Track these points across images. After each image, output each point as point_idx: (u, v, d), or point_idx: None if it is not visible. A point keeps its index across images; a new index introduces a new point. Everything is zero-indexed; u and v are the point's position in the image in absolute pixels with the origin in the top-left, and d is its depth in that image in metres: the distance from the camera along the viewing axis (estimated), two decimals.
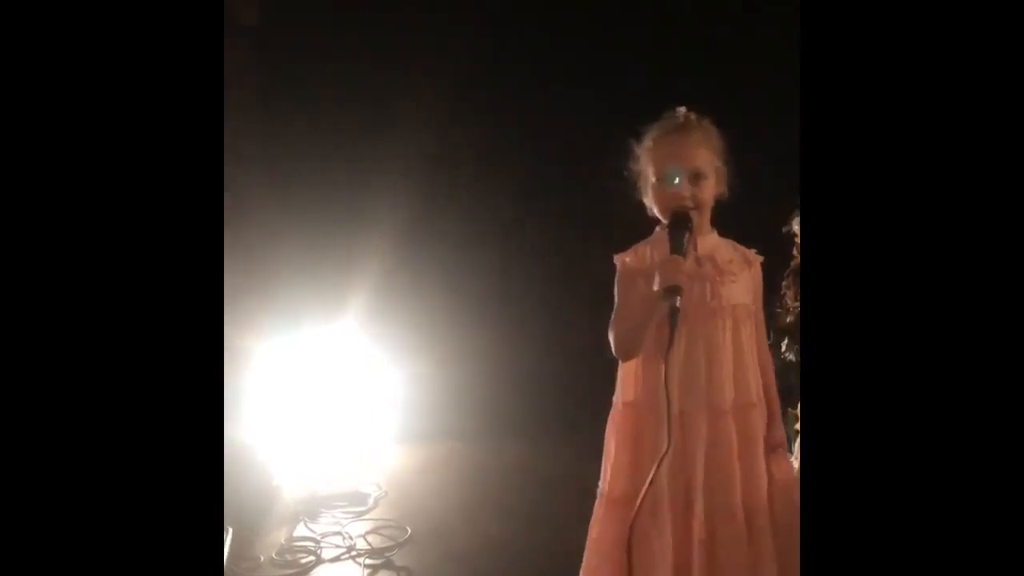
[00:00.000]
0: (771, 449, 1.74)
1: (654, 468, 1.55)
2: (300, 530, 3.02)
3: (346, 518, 3.15)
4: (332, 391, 3.76)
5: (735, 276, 1.71)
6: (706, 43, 3.94)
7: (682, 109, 1.71)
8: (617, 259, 1.74)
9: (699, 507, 1.63)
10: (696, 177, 1.67)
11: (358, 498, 3.33)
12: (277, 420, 3.55)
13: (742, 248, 1.79)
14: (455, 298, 4.29)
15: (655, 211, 1.72)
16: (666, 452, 1.55)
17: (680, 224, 1.65)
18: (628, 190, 1.76)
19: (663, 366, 1.60)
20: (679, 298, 1.58)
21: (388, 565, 2.72)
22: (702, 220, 1.71)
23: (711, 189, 1.69)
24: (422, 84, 4.12)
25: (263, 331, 3.62)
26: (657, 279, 1.61)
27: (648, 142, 1.72)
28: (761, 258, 1.79)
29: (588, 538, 1.77)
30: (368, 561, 2.73)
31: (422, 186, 4.23)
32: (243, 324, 3.19)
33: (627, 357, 1.70)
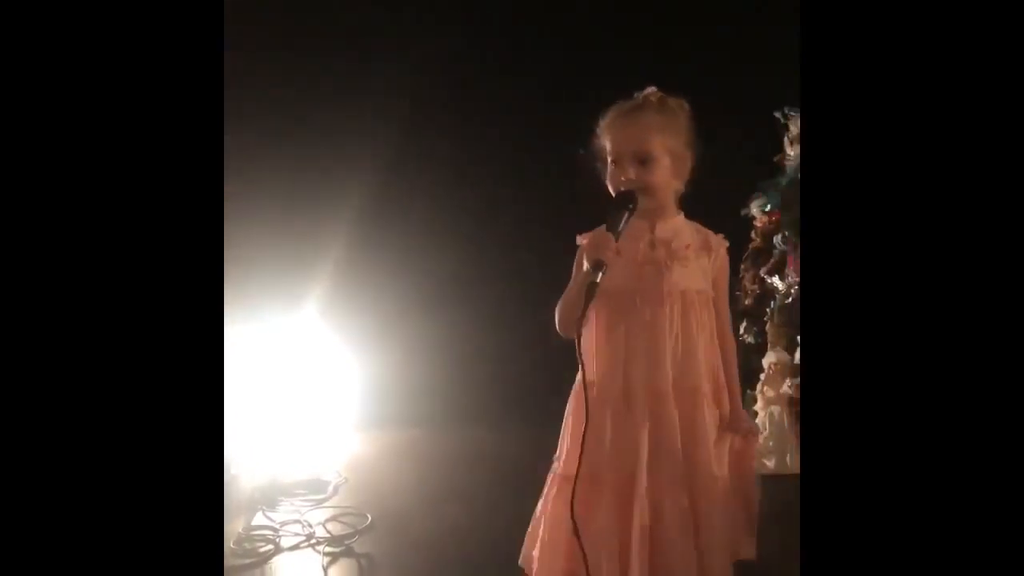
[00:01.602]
0: (733, 435, 1.73)
1: (580, 446, 1.60)
2: (259, 519, 2.98)
3: (305, 506, 3.12)
4: (292, 379, 3.72)
5: (687, 261, 1.69)
6: (705, 40, 3.94)
7: (650, 89, 1.70)
8: (579, 238, 1.74)
9: (641, 489, 1.63)
10: (646, 160, 1.66)
11: (318, 486, 3.31)
12: (236, 408, 3.51)
13: (707, 233, 1.76)
14: (415, 286, 4.27)
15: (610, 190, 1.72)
16: (585, 429, 1.60)
17: (619, 204, 1.65)
18: (593, 170, 1.74)
19: (620, 347, 1.66)
20: (600, 273, 1.58)
21: (348, 553, 2.70)
22: (657, 204, 1.70)
23: (665, 172, 1.68)
24: (385, 72, 4.08)
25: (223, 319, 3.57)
26: (585, 253, 1.64)
27: (605, 121, 1.72)
28: (726, 243, 1.77)
29: (540, 513, 1.77)
30: (328, 549, 2.70)
31: (383, 174, 4.20)
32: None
33: (564, 332, 1.69)
